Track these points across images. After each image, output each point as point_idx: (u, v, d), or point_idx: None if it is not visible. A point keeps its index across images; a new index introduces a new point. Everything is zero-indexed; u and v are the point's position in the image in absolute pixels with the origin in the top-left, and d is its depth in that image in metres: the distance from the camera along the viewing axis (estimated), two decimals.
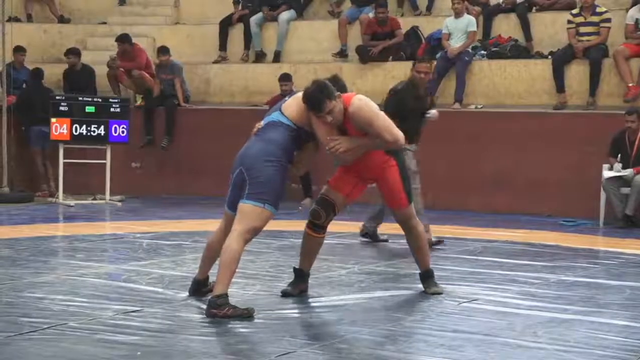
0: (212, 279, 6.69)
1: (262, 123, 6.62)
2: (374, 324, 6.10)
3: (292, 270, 7.11)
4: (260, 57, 15.68)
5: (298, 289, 6.97)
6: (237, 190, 6.50)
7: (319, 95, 6.39)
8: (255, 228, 6.39)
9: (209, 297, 6.32)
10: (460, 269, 8.24)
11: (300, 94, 6.61)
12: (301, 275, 7.03)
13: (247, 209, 6.35)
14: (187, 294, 6.88)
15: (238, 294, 6.80)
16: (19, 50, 14.71)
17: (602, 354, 5.47)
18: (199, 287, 6.88)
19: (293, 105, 6.59)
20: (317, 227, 6.95)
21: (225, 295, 6.23)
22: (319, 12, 16.28)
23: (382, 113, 6.58)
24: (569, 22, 13.24)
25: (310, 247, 7.02)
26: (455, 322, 6.18)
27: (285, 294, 6.92)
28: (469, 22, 13.72)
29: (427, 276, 7.15)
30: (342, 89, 6.66)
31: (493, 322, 6.19)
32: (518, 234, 10.67)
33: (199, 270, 6.90)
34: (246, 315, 6.20)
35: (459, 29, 13.73)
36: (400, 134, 6.53)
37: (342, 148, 6.52)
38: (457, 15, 13.74)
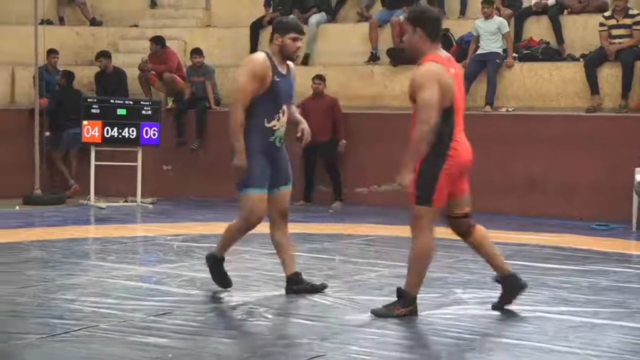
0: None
1: None
2: (403, 327, 6.09)
3: (327, 273, 7.10)
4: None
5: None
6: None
7: None
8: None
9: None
10: (491, 273, 8.19)
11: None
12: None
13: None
14: (223, 295, 6.95)
15: (269, 296, 6.81)
16: (52, 52, 14.80)
17: (633, 359, 5.43)
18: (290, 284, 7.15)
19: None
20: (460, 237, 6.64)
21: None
22: (349, 15, 16.27)
23: (433, 88, 6.13)
24: (601, 24, 13.16)
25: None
26: (485, 326, 6.16)
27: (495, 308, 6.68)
28: (500, 24, 13.65)
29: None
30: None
31: (524, 327, 6.17)
32: (549, 238, 10.62)
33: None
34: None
35: (489, 31, 13.67)
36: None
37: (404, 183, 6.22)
38: (487, 17, 13.69)
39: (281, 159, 7.06)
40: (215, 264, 7.23)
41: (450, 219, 6.51)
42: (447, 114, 6.22)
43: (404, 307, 6.33)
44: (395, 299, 6.42)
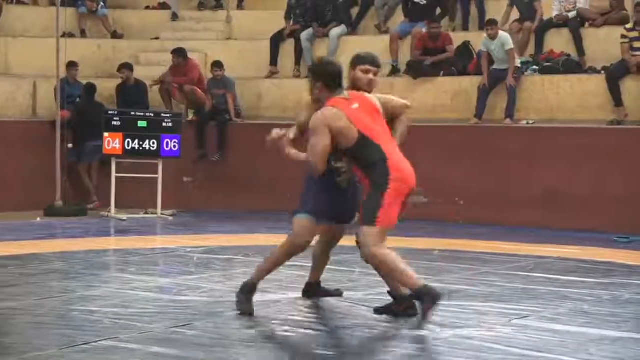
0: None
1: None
2: (423, 339, 6.08)
3: (347, 285, 7.08)
4: None
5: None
6: None
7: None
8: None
9: None
10: (512, 286, 8.18)
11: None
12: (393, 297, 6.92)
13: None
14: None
15: (289, 308, 6.81)
16: (72, 65, 14.85)
17: None
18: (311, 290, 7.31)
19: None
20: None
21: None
22: (369, 28, 16.28)
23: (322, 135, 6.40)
24: (623, 37, 13.12)
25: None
26: (506, 339, 6.13)
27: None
28: (505, 40, 13.54)
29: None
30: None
31: (545, 339, 6.14)
32: (570, 251, 10.57)
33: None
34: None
35: (496, 49, 13.62)
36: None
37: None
38: (492, 38, 13.62)
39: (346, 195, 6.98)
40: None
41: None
42: (362, 145, 6.38)
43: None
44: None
